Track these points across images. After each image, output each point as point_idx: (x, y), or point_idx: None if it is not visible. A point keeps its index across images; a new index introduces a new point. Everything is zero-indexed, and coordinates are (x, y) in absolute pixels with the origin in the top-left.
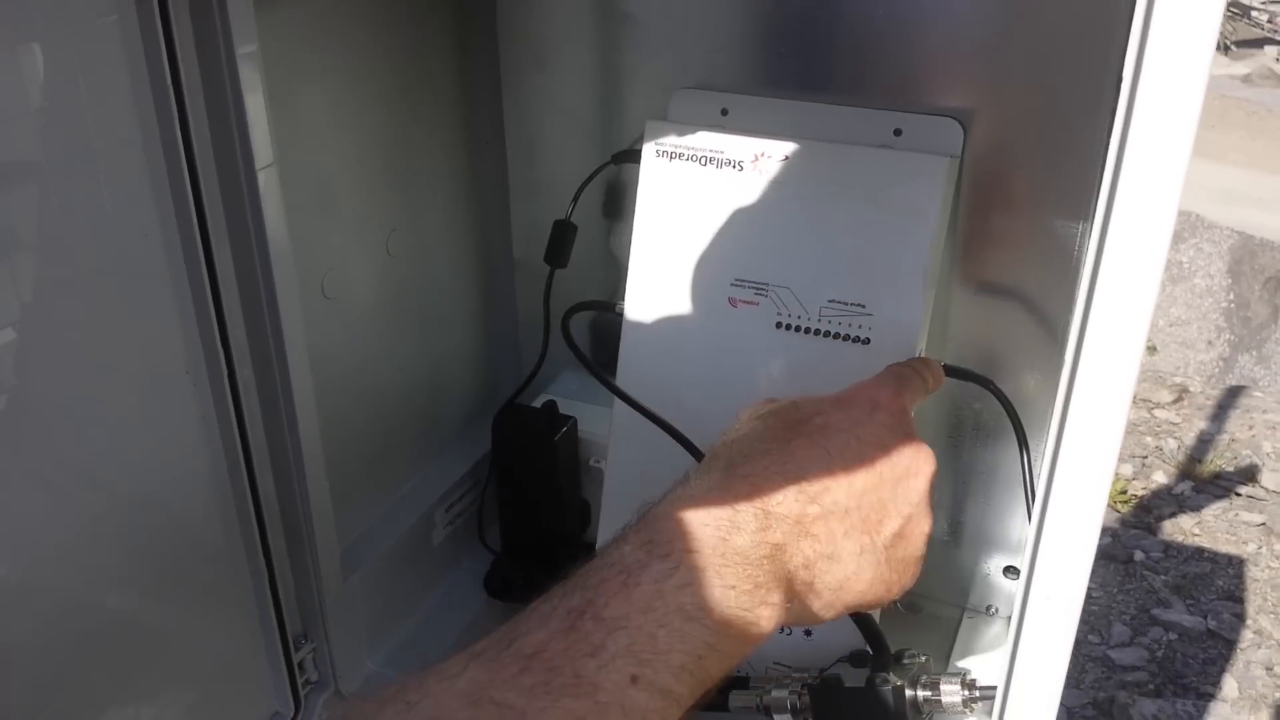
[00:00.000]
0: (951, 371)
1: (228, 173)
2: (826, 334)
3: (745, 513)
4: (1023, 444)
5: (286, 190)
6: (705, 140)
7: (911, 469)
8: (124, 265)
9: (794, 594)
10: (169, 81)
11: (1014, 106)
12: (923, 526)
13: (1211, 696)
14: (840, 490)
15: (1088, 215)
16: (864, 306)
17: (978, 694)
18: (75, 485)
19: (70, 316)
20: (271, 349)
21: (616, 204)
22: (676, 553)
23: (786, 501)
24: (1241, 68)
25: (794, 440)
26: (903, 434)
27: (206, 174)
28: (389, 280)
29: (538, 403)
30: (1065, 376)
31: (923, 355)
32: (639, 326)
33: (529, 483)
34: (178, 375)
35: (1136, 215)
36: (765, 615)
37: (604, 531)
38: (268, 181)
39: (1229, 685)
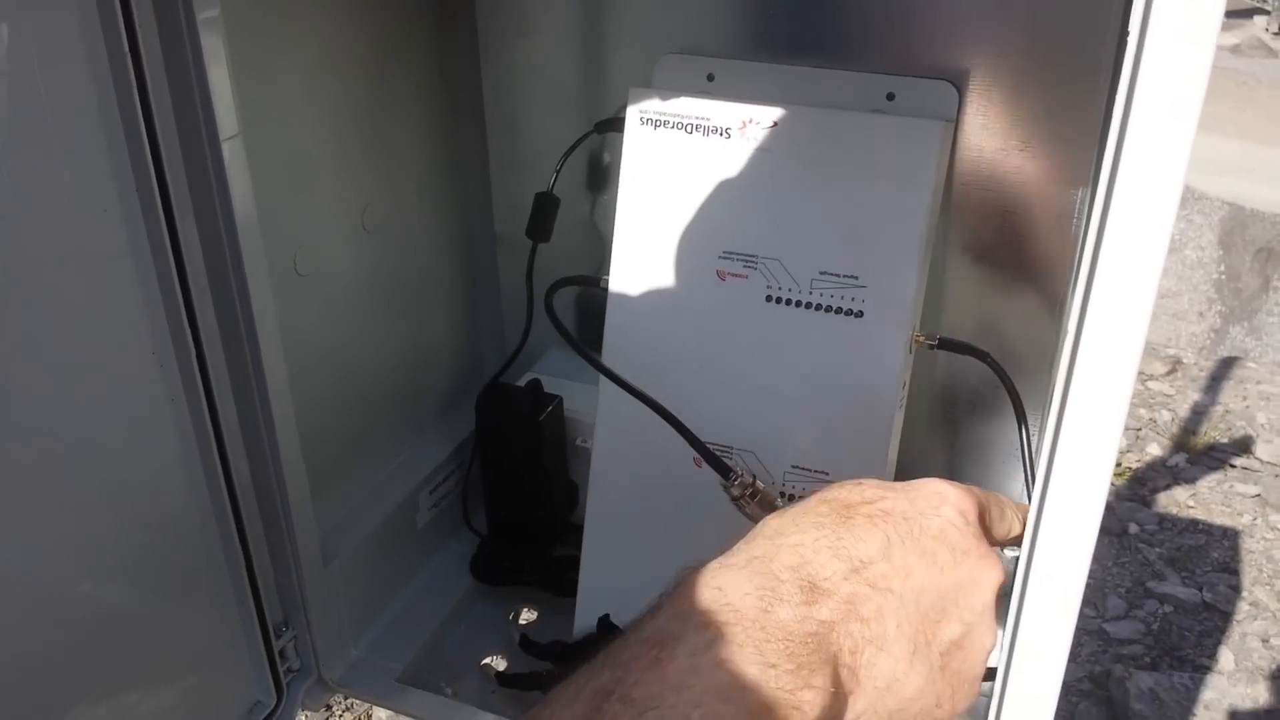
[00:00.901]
0: (947, 344)
1: (191, 144)
2: (819, 307)
3: (790, 584)
4: (1020, 418)
5: (256, 163)
6: (691, 107)
7: (976, 574)
8: (83, 243)
9: (838, 682)
10: (126, 47)
11: (1010, 68)
12: (985, 641)
13: (1208, 669)
14: (897, 578)
15: (1086, 181)
16: (857, 278)
17: None
18: (42, 474)
19: (28, 298)
20: (241, 328)
21: (600, 175)
22: (714, 624)
23: (836, 578)
24: (1230, 38)
25: (851, 518)
26: (971, 536)
27: (169, 146)
28: (365, 257)
29: (522, 381)
30: (1068, 349)
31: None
32: (625, 301)
33: (514, 464)
34: (144, 357)
35: (1142, 184)
36: (809, 700)
37: (591, 513)
38: (233, 153)
39: (1225, 657)
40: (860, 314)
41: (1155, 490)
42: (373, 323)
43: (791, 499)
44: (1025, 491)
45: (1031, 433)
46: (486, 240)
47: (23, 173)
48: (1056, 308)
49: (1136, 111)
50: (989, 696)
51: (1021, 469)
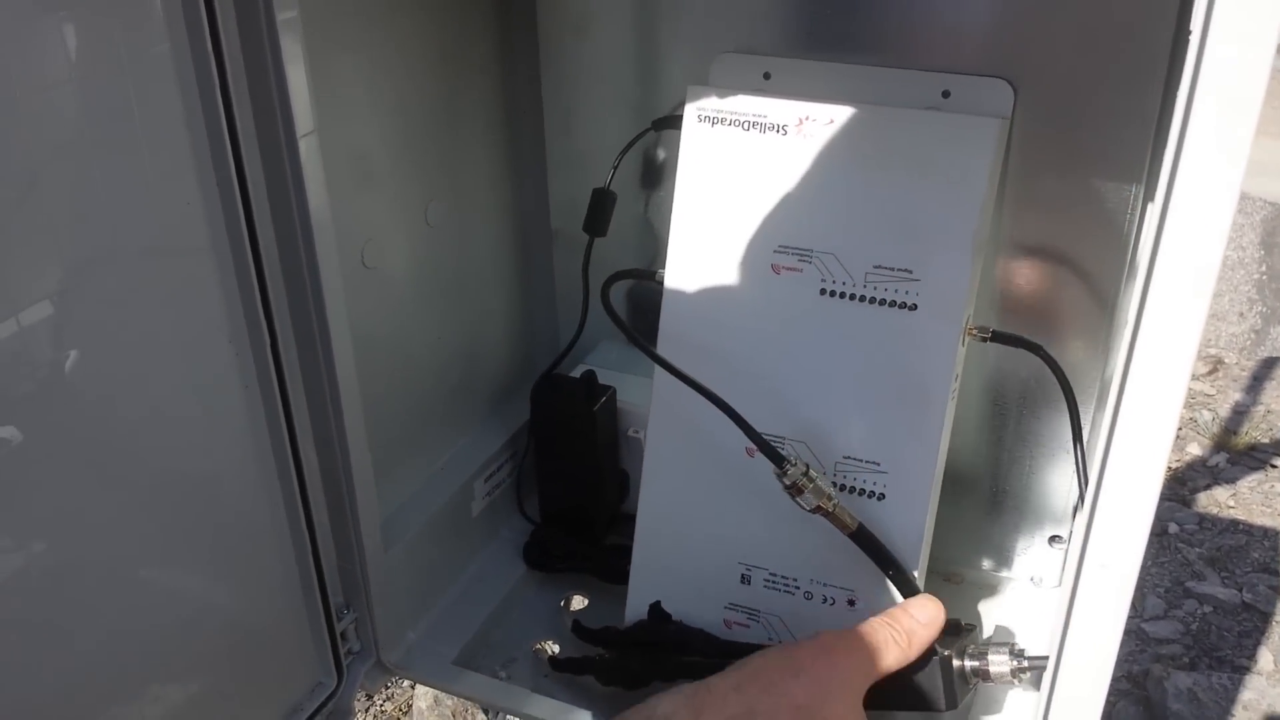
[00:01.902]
0: (999, 337)
1: (269, 141)
2: (872, 300)
3: None
4: (1073, 410)
5: (326, 160)
6: (748, 104)
7: None
8: (166, 236)
9: None
10: (209, 48)
11: (1066, 66)
12: None
13: (1247, 669)
14: None
15: (1140, 178)
16: (911, 272)
17: (1026, 663)
18: (118, 458)
19: (112, 288)
20: (313, 318)
21: (655, 172)
22: None
23: None
24: None
25: None
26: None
27: (248, 142)
28: (428, 250)
29: (576, 373)
30: (1126, 342)
31: (921, 597)
32: (680, 294)
33: (567, 453)
34: (221, 346)
35: (1201, 184)
36: None
37: (644, 500)
38: (308, 150)
39: (1265, 658)
40: (914, 307)
41: (1195, 490)
42: (433, 315)
43: (844, 489)
44: (1077, 483)
45: (1082, 425)
46: (543, 235)
47: (111, 168)
48: (1108, 302)
49: (1197, 112)
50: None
51: (1070, 461)
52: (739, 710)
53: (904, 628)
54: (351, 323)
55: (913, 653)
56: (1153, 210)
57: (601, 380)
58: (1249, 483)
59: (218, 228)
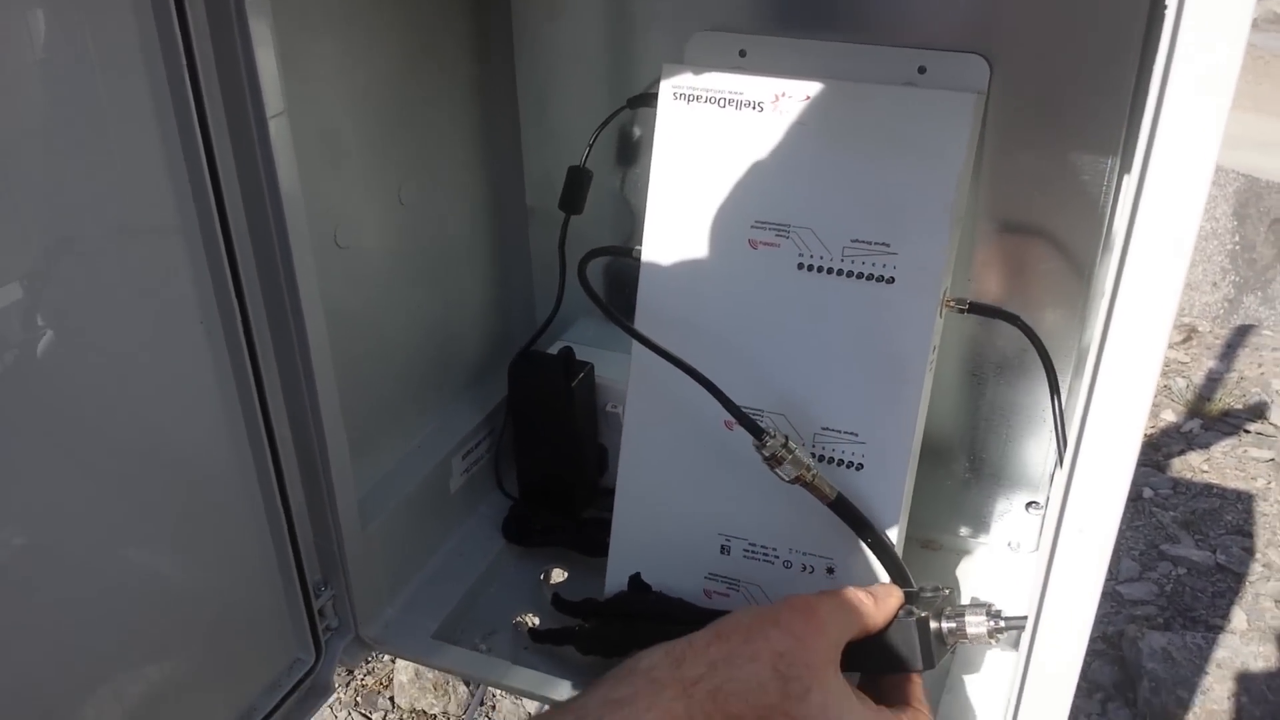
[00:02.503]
0: (977, 308)
1: (238, 122)
2: (850, 274)
3: None
4: (1051, 380)
5: (296, 139)
6: (724, 81)
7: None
8: (135, 217)
9: None
10: (177, 28)
11: (1042, 41)
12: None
13: (1220, 629)
14: None
15: (1116, 151)
16: (888, 245)
17: (1003, 624)
18: (91, 440)
19: (83, 270)
20: (285, 298)
21: (631, 150)
22: None
23: None
24: None
25: None
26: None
27: (217, 123)
28: (402, 229)
29: (554, 349)
30: (1104, 311)
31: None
32: (657, 270)
33: (546, 429)
34: (192, 326)
35: (1177, 157)
36: None
37: (623, 474)
38: (279, 130)
39: (1238, 618)
40: (891, 280)
41: (1170, 455)
42: (408, 293)
43: (822, 460)
44: (1055, 449)
45: (1061, 392)
46: (518, 214)
47: (80, 150)
48: (1084, 273)
49: (1173, 85)
50: (1015, 648)
51: (1046, 428)
52: (720, 655)
53: (875, 594)
54: (325, 302)
55: (881, 618)
56: (1129, 182)
57: (579, 357)
58: (1222, 448)
59: (187, 208)
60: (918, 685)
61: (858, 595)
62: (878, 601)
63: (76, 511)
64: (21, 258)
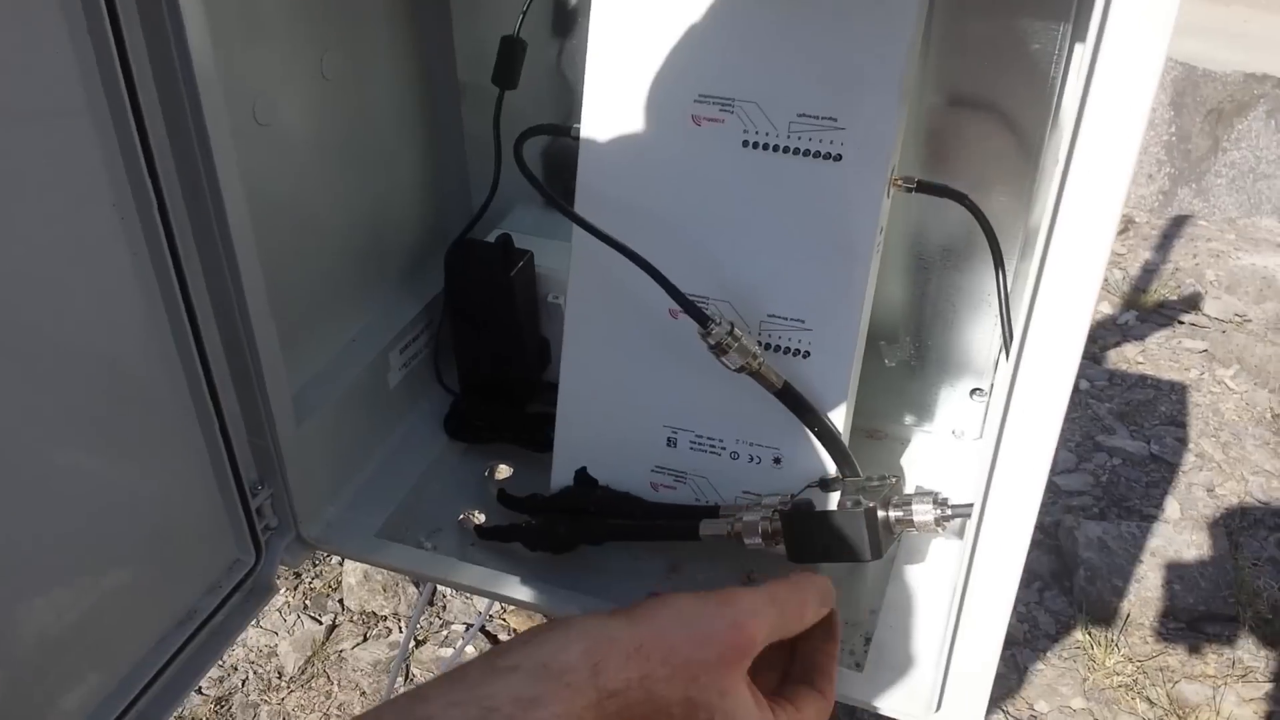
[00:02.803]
0: (925, 187)
1: None
2: (796, 151)
3: None
4: (997, 260)
5: (210, 4)
6: None
7: None
8: (34, 96)
9: None
10: None
11: None
12: None
13: (1154, 518)
14: None
15: (1068, 16)
16: (835, 120)
17: (950, 513)
18: (3, 339)
19: None
20: (203, 177)
21: (566, 18)
22: None
23: None
24: None
25: None
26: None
27: None
28: (325, 105)
29: (491, 237)
30: (1055, 188)
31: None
32: (597, 150)
33: (485, 321)
34: (104, 210)
35: (1134, 23)
36: None
37: (566, 366)
38: None
39: (1171, 507)
40: (839, 158)
41: (1105, 347)
42: (335, 175)
43: (769, 348)
44: (1002, 334)
45: (1007, 275)
46: (450, 89)
47: None
48: (1032, 151)
49: None
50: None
51: (991, 314)
52: (637, 674)
53: (804, 596)
54: (246, 185)
55: (807, 625)
56: (1081, 51)
57: (518, 245)
58: (1157, 339)
59: (93, 84)
60: (833, 661)
61: (797, 601)
62: (806, 605)
63: None
64: None
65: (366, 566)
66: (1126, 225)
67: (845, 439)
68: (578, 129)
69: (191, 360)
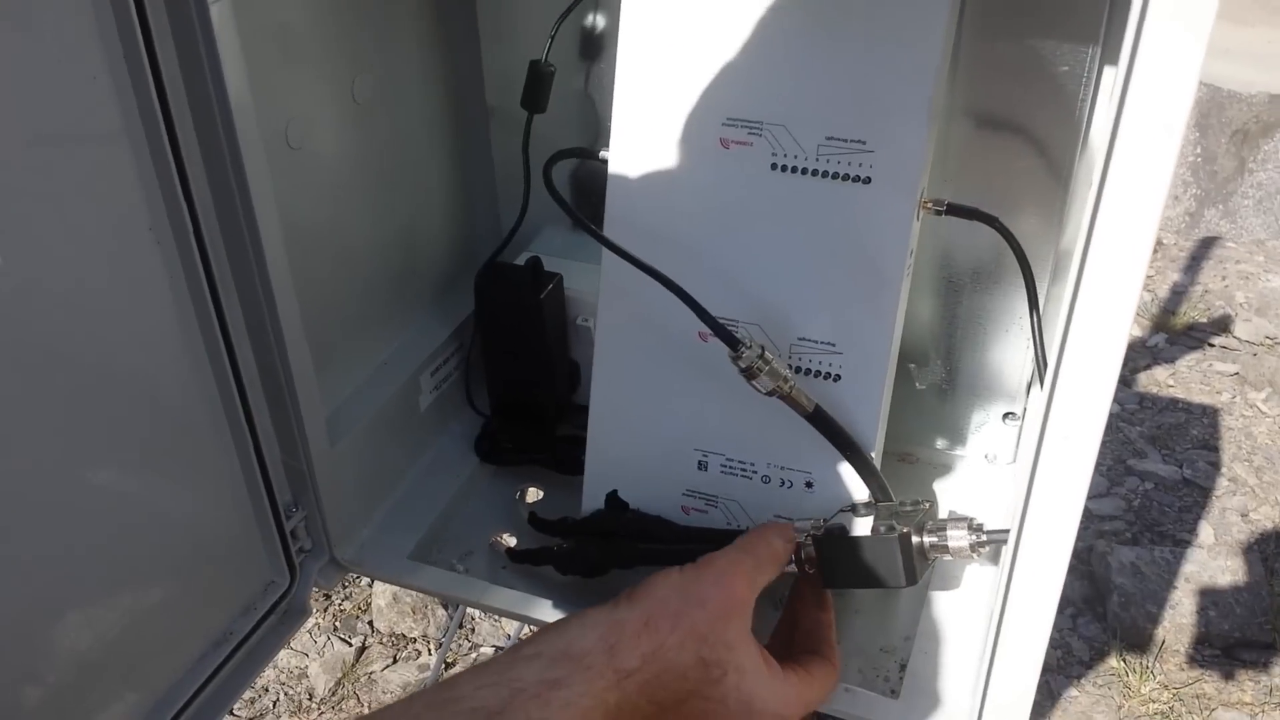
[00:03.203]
0: (955, 210)
1: (178, 11)
2: (825, 174)
3: None
4: (1030, 283)
5: (242, 30)
6: None
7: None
8: (73, 122)
9: None
10: None
11: None
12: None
13: (1188, 543)
14: None
15: (1097, 39)
16: (864, 143)
17: (985, 538)
18: (42, 360)
19: (20, 181)
20: (238, 202)
21: (594, 43)
22: None
23: None
24: None
25: None
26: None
27: (155, 13)
28: (357, 129)
29: (521, 260)
30: (1089, 208)
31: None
32: (625, 174)
33: (515, 343)
34: (141, 234)
35: (1166, 45)
36: None
37: (596, 389)
38: (221, 19)
39: (1205, 532)
40: (868, 180)
41: (1135, 370)
42: (366, 198)
43: (799, 371)
44: (1035, 358)
45: (1038, 301)
46: (479, 112)
47: (9, 51)
48: (1062, 173)
49: None
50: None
51: (1023, 337)
52: (650, 648)
53: (768, 534)
54: (279, 207)
55: (783, 555)
56: (1111, 74)
57: (547, 267)
58: (1187, 362)
59: (129, 108)
60: (830, 630)
61: (765, 542)
62: (773, 542)
63: (30, 437)
64: None
65: (396, 588)
66: (1154, 247)
67: (877, 462)
68: (606, 153)
69: (227, 382)
